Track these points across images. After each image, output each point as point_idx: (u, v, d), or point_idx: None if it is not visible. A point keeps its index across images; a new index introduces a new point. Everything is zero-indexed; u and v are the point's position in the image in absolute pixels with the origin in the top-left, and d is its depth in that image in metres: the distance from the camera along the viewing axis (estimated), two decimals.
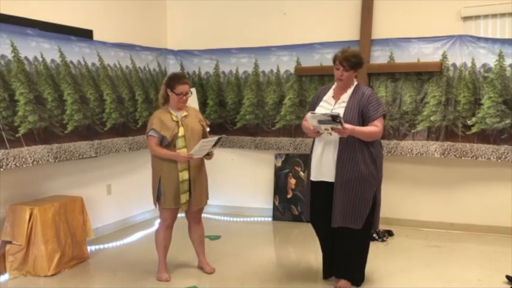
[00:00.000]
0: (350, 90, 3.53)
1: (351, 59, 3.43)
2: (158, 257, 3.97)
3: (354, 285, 3.68)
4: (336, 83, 3.63)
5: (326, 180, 3.52)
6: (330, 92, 3.63)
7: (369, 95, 3.47)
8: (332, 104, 3.55)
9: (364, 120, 3.45)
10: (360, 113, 3.44)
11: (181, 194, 3.77)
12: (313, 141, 3.66)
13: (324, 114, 3.28)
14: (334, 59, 3.50)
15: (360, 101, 3.45)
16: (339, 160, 3.44)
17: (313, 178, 3.60)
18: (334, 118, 3.23)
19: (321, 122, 3.30)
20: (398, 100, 5.19)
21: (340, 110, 3.46)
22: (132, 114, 5.37)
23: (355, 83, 3.57)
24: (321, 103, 3.60)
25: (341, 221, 3.48)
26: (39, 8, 4.39)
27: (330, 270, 3.81)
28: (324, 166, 3.52)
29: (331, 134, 3.38)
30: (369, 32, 5.25)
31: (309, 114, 3.38)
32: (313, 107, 3.65)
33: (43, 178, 4.50)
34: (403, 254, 4.54)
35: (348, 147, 3.43)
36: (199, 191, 3.85)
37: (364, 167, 3.43)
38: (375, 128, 3.42)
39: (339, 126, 3.25)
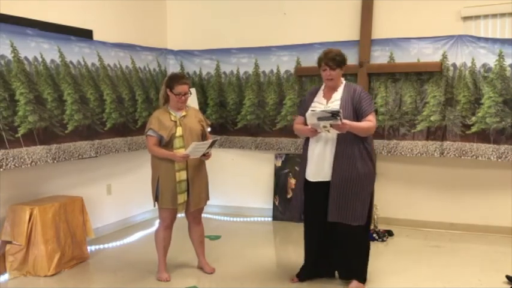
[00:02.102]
0: (340, 89, 3.58)
1: (336, 58, 3.52)
2: (158, 257, 3.97)
3: (362, 283, 3.69)
4: (323, 85, 3.69)
5: (326, 180, 3.52)
6: (320, 93, 3.67)
7: (360, 91, 3.55)
8: (324, 103, 3.58)
9: (358, 117, 3.49)
10: (354, 109, 3.50)
11: (179, 194, 3.77)
12: (307, 141, 3.67)
13: (324, 111, 3.31)
14: (319, 62, 3.57)
15: (352, 98, 3.51)
16: (336, 158, 3.47)
17: (311, 179, 3.60)
18: (334, 114, 3.25)
19: (320, 119, 3.31)
20: (398, 100, 5.19)
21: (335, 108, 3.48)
22: (132, 114, 5.37)
23: (344, 81, 3.63)
24: (313, 104, 3.63)
25: (337, 217, 3.50)
26: (39, 8, 4.40)
27: (309, 272, 3.82)
28: (323, 166, 3.52)
29: (329, 132, 3.41)
30: (369, 32, 5.25)
31: (308, 112, 3.41)
32: (303, 111, 3.66)
33: (43, 178, 4.50)
34: (403, 254, 4.54)
35: (345, 144, 3.46)
36: (197, 191, 3.85)
37: (361, 164, 3.47)
38: (370, 122, 3.49)
39: (339, 122, 3.28)
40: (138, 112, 5.45)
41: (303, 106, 3.74)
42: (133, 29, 5.61)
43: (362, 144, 3.49)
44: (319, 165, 3.54)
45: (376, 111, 3.69)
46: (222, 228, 5.52)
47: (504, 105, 4.79)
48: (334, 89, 3.59)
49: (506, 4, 4.77)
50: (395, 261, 4.31)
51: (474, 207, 5.14)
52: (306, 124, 3.56)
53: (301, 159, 3.74)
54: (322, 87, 3.70)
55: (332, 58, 3.50)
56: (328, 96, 3.60)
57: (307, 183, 3.63)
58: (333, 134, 3.45)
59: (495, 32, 4.88)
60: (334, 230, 3.60)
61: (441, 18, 5.06)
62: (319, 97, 3.64)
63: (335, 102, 3.52)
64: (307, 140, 3.66)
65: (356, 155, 3.46)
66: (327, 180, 3.51)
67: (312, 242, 3.76)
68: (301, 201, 3.68)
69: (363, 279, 3.69)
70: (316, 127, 3.40)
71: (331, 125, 3.32)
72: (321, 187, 3.54)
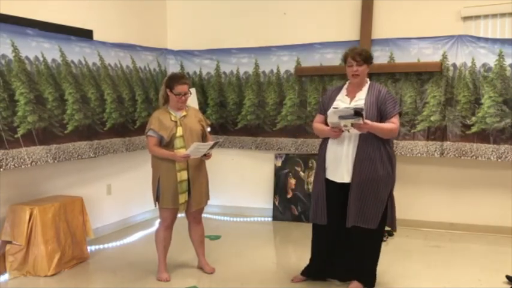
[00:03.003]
0: (365, 88, 3.51)
1: (363, 53, 3.47)
2: (158, 257, 3.97)
3: (366, 287, 3.63)
4: (347, 83, 3.61)
5: (344, 181, 3.46)
6: (343, 91, 3.59)
7: (385, 92, 3.48)
8: (347, 102, 3.49)
9: (381, 118, 3.43)
10: (378, 110, 3.43)
11: (180, 194, 3.77)
12: (325, 141, 3.59)
13: (347, 108, 3.25)
14: (345, 57, 3.50)
15: (377, 98, 3.44)
16: (357, 159, 3.40)
17: (333, 178, 3.51)
18: (357, 112, 3.18)
19: (341, 117, 3.25)
20: (398, 100, 5.19)
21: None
22: (131, 114, 5.36)
23: (369, 81, 3.56)
24: (335, 103, 3.52)
25: (354, 220, 3.44)
26: (39, 8, 4.39)
27: (314, 271, 3.79)
28: (343, 167, 3.45)
29: (349, 131, 3.34)
30: (369, 32, 5.25)
31: (330, 110, 3.33)
32: (324, 109, 3.57)
33: (43, 178, 4.50)
34: (403, 254, 4.54)
35: (367, 146, 3.39)
36: (198, 191, 3.85)
37: (381, 166, 3.41)
38: (393, 124, 3.41)
39: (360, 121, 3.22)
40: (137, 112, 5.44)
41: (323, 104, 3.63)
42: (133, 29, 5.61)
43: (383, 147, 3.43)
44: (339, 167, 3.46)
45: (400, 114, 3.60)
46: (222, 228, 5.52)
47: (504, 105, 4.79)
48: (358, 87, 3.51)
49: (506, 4, 4.78)
50: (395, 261, 4.31)
51: (474, 207, 5.14)
52: (325, 123, 3.49)
53: (319, 159, 3.64)
54: (346, 85, 3.61)
55: (359, 53, 3.45)
56: (352, 95, 3.52)
57: (329, 184, 3.54)
58: (355, 134, 3.39)
59: (495, 32, 4.88)
60: (348, 232, 3.53)
61: (441, 18, 5.07)
62: (343, 95, 3.56)
63: (359, 102, 3.44)
64: (325, 140, 3.59)
65: (377, 157, 3.40)
66: (347, 182, 3.45)
67: (322, 242, 3.71)
68: (325, 202, 3.56)
69: (366, 282, 3.62)
70: (337, 125, 3.33)
71: (352, 124, 3.25)
72: (340, 188, 3.48)
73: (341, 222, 3.51)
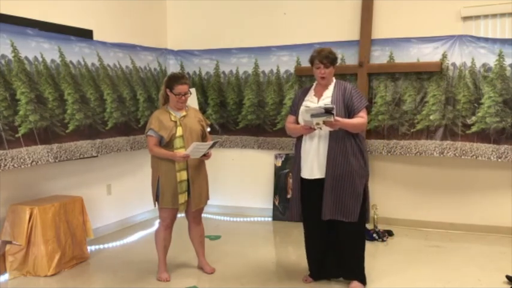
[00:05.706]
0: (331, 87, 3.63)
1: (329, 56, 3.58)
2: (158, 257, 3.97)
3: (362, 283, 3.68)
4: (314, 84, 3.73)
5: (320, 177, 3.53)
6: (311, 92, 3.71)
7: (351, 88, 3.60)
8: (315, 101, 3.61)
9: (349, 113, 3.54)
10: (345, 106, 3.53)
11: (180, 194, 3.77)
12: (299, 139, 3.68)
13: (319, 107, 3.35)
14: (312, 60, 3.61)
15: (343, 94, 3.56)
16: (330, 154, 3.49)
17: (308, 177, 3.60)
18: (328, 110, 3.29)
19: (313, 115, 3.35)
20: (398, 99, 5.19)
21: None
22: (134, 113, 5.37)
23: (334, 80, 3.67)
24: (304, 103, 3.66)
25: (330, 214, 3.51)
26: (39, 8, 4.40)
27: (318, 272, 3.82)
28: (318, 163, 3.53)
29: (321, 129, 3.45)
30: (369, 32, 5.25)
31: (302, 108, 3.46)
32: (295, 109, 3.71)
33: (43, 178, 4.50)
34: (403, 254, 4.54)
35: (338, 141, 3.49)
36: (198, 191, 3.85)
37: (354, 160, 3.50)
38: (361, 119, 3.54)
39: (331, 119, 3.32)
40: (140, 111, 5.44)
41: (294, 105, 3.78)
42: (133, 29, 5.61)
43: (353, 141, 3.52)
44: (314, 163, 3.55)
45: (367, 108, 3.74)
46: (222, 228, 5.52)
47: (504, 105, 4.79)
48: (325, 87, 3.63)
49: (506, 4, 4.77)
50: (396, 261, 4.31)
51: (474, 207, 5.14)
52: (297, 123, 3.61)
53: (294, 158, 3.74)
54: (313, 86, 3.74)
55: (326, 56, 3.55)
56: (319, 94, 3.64)
57: (303, 181, 3.63)
58: (325, 131, 3.49)
59: (495, 32, 4.88)
60: (332, 228, 3.61)
61: (441, 18, 5.06)
62: (311, 95, 3.68)
63: (326, 100, 3.56)
64: (299, 138, 3.69)
65: (349, 151, 3.49)
66: (322, 177, 3.52)
67: (315, 242, 3.75)
68: (299, 200, 3.66)
69: (362, 279, 3.68)
70: (309, 124, 3.44)
71: (324, 122, 3.35)
72: (317, 185, 3.54)
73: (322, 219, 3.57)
